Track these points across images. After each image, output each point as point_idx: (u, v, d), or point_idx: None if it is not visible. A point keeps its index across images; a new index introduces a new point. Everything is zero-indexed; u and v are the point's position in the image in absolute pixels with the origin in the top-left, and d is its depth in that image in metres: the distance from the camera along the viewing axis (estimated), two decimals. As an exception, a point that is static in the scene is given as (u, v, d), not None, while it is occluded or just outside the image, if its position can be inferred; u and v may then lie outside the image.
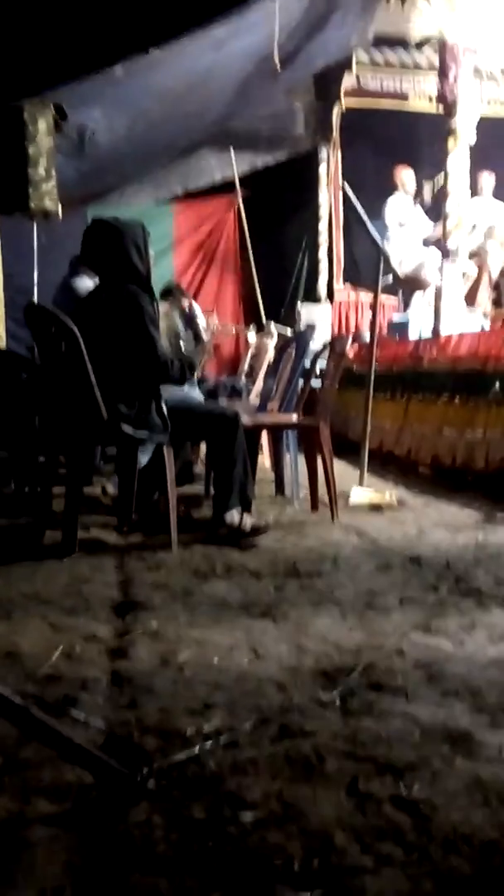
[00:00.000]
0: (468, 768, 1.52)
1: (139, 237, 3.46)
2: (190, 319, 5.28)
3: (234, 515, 3.46)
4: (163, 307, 4.86)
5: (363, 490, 4.55)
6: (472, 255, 6.90)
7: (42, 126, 5.55)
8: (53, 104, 5.65)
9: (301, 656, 2.10)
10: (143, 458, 3.88)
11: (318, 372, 5.03)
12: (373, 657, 2.07)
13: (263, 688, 1.90)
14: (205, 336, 5.75)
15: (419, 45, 7.87)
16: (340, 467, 4.83)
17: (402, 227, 7.35)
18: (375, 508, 4.26)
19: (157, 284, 3.95)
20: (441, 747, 1.60)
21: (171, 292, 6.28)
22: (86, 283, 4.50)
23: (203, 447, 4.65)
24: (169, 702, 1.82)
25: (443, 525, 3.84)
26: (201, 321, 6.47)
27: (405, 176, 7.56)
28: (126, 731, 1.67)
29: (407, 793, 1.44)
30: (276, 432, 4.67)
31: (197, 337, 5.16)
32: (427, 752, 1.58)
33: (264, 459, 5.35)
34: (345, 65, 7.77)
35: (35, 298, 5.64)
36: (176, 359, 3.49)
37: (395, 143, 8.26)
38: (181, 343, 4.76)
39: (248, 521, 3.47)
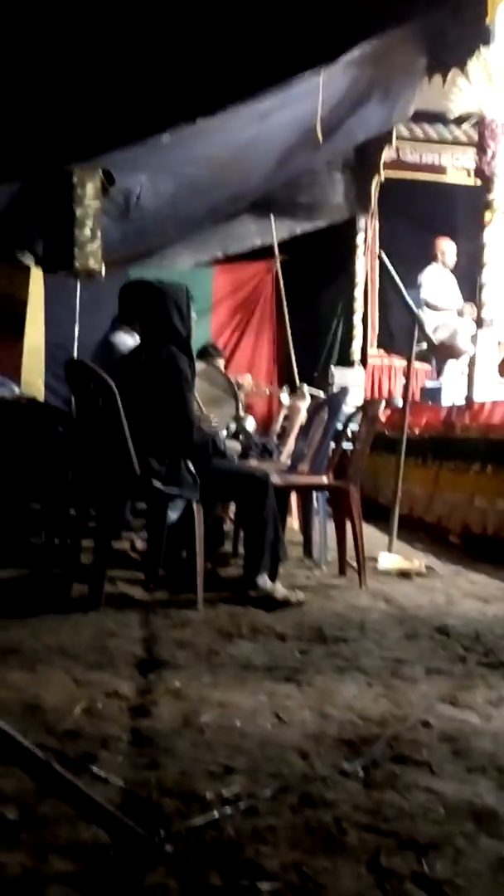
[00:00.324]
0: (493, 848, 1.48)
1: (181, 300, 3.55)
2: (227, 379, 5.34)
3: (265, 579, 3.45)
4: (199, 366, 4.94)
5: (392, 556, 4.52)
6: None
7: (90, 189, 5.74)
8: (102, 169, 5.85)
9: (325, 724, 2.07)
10: (173, 515, 3.91)
11: (349, 435, 5.05)
12: (398, 728, 2.03)
13: (285, 754, 1.87)
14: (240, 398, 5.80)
15: (458, 121, 8.07)
16: (369, 532, 4.81)
17: (438, 296, 7.43)
18: (404, 575, 4.22)
19: (195, 344, 4.03)
20: (465, 825, 1.56)
21: (207, 352, 6.38)
22: (125, 340, 4.59)
23: (232, 506, 4.65)
24: (189, 764, 1.79)
25: (472, 595, 3.79)
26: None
27: (445, 247, 7.67)
28: (145, 791, 1.65)
29: (429, 871, 1.40)
30: (306, 494, 4.67)
31: (231, 394, 5.21)
32: (451, 830, 1.55)
33: (293, 521, 5.34)
34: (385, 138, 7.98)
35: (75, 354, 5.75)
36: (202, 431, 3.53)
37: (432, 214, 8.42)
38: (217, 399, 4.82)
39: (281, 588, 3.45)
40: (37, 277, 6.92)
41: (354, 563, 4.03)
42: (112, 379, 3.32)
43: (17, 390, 5.44)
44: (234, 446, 4.95)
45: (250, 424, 4.77)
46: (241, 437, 4.29)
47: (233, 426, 5.18)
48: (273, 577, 3.51)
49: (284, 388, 7.47)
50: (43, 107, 8.42)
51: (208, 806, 1.60)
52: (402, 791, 1.70)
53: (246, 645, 2.80)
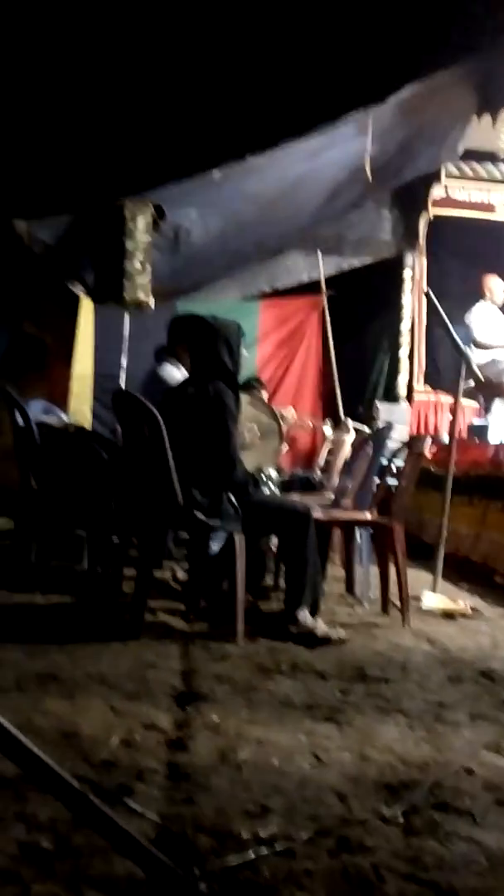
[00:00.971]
0: (539, 905, 1.43)
1: (232, 336, 3.59)
2: (272, 412, 5.34)
3: (305, 614, 3.42)
4: (243, 398, 4.96)
5: (436, 595, 4.44)
6: None
7: (141, 223, 5.85)
8: (153, 204, 5.96)
9: (364, 766, 2.03)
10: (215, 546, 3.90)
11: (394, 471, 5.01)
12: (440, 774, 1.98)
13: (324, 796, 1.83)
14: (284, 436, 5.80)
15: (508, 160, 8.07)
16: (413, 570, 4.73)
17: (487, 334, 7.37)
18: (448, 616, 4.14)
19: (241, 377, 4.06)
20: (510, 878, 1.51)
21: (250, 385, 6.41)
22: (172, 373, 4.65)
23: (274, 539, 4.63)
24: (226, 801, 1.77)
25: (518, 638, 3.70)
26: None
27: (493, 284, 7.63)
28: (180, 827, 1.63)
29: (471, 925, 1.35)
30: (349, 530, 4.63)
31: (276, 428, 5.21)
32: (493, 883, 1.49)
33: (335, 557, 5.29)
34: (434, 176, 8.01)
35: (122, 384, 5.82)
36: (243, 466, 3.54)
37: (480, 252, 8.39)
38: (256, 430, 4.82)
39: (322, 625, 3.42)
40: (87, 308, 7.04)
41: (397, 602, 3.97)
42: (159, 409, 3.36)
43: (64, 418, 5.52)
44: (274, 475, 4.93)
45: (274, 474, 4.77)
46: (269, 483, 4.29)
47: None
48: (314, 613, 3.48)
49: (328, 420, 7.45)
50: (98, 141, 8.65)
51: (244, 845, 1.57)
52: (442, 840, 1.65)
53: (285, 682, 2.77)
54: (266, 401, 6.31)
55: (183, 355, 4.66)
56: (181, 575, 4.24)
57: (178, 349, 4.71)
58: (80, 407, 6.98)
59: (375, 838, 1.64)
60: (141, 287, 5.81)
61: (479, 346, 7.26)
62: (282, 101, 8.30)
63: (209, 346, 3.57)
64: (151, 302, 5.92)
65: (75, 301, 7.10)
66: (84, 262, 6.52)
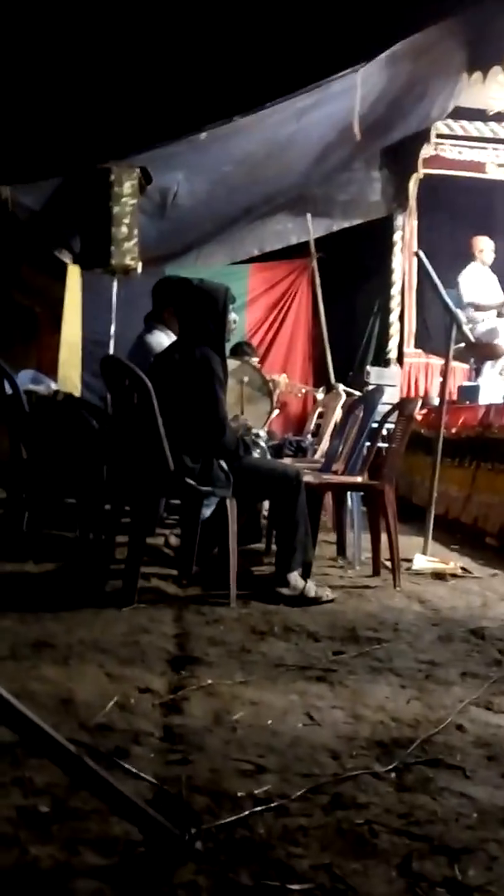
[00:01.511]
0: (528, 856, 1.46)
1: (219, 301, 3.55)
2: (262, 377, 5.33)
3: (296, 577, 3.45)
4: (233, 363, 4.93)
5: (427, 557, 4.47)
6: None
7: (127, 187, 5.77)
8: (139, 167, 5.87)
9: (357, 725, 2.06)
10: (207, 511, 3.91)
11: (385, 434, 5.01)
12: (431, 731, 2.01)
13: (317, 754, 1.86)
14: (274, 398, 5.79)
15: (498, 118, 7.98)
16: (404, 532, 4.77)
17: (478, 295, 7.33)
18: (439, 577, 4.18)
19: (230, 342, 4.03)
20: (499, 831, 1.54)
21: (241, 350, 6.38)
22: (161, 339, 4.60)
23: (266, 503, 4.65)
24: (220, 762, 1.79)
25: (508, 597, 3.74)
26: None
27: (483, 244, 7.57)
28: (176, 788, 1.65)
29: (462, 877, 1.38)
30: (340, 493, 4.65)
31: (266, 392, 5.20)
32: (484, 835, 1.52)
33: (327, 520, 5.31)
34: (424, 135, 7.91)
35: (111, 351, 5.78)
36: (233, 431, 3.53)
37: (471, 212, 8.33)
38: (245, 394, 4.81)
39: (312, 586, 3.45)
40: (74, 274, 6.98)
41: (389, 564, 4.00)
42: (148, 376, 3.34)
43: (53, 386, 5.49)
44: (263, 435, 4.93)
45: (264, 435, 4.77)
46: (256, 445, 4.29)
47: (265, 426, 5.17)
48: (305, 576, 3.51)
49: (321, 389, 7.44)
50: (82, 105, 8.50)
51: (239, 804, 1.59)
52: (434, 795, 1.68)
53: (278, 643, 2.79)
54: (257, 365, 6.29)
55: (170, 320, 4.62)
56: (174, 541, 4.26)
57: (165, 314, 4.66)
58: (69, 375, 6.96)
59: (368, 795, 1.66)
60: (128, 252, 5.75)
61: (471, 306, 7.23)
62: (269, 60, 8.15)
63: (195, 310, 3.54)
64: (139, 267, 5.86)
65: (62, 268, 7.03)
66: (70, 228, 6.44)
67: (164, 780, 1.68)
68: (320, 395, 7.19)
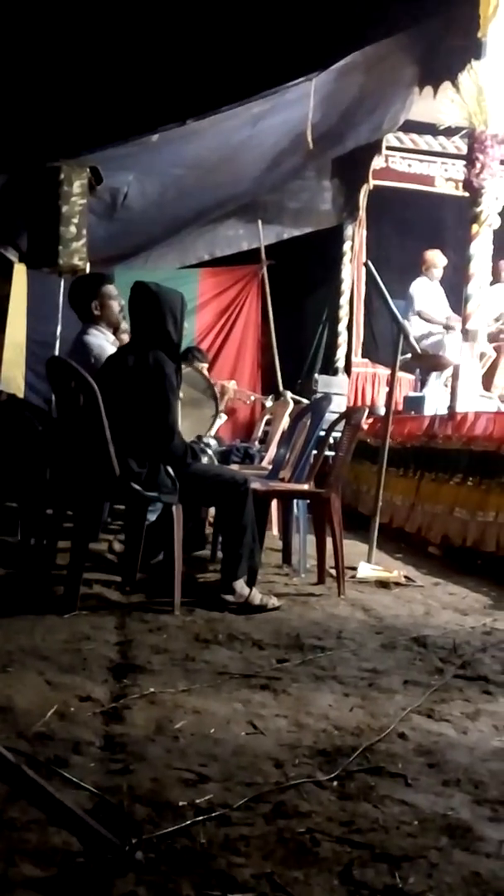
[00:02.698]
0: (467, 862, 1.47)
1: (176, 307, 3.54)
2: (207, 381, 5.31)
3: (242, 585, 3.44)
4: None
5: (371, 565, 4.51)
6: (490, 340, 6.97)
7: (77, 187, 5.69)
8: (90, 167, 5.80)
9: (300, 733, 2.05)
10: (151, 517, 3.88)
11: (331, 442, 5.04)
12: (374, 739, 2.01)
13: (260, 763, 1.85)
14: (220, 403, 5.77)
15: (448, 133, 8.11)
16: (349, 541, 4.80)
17: (427, 308, 7.44)
18: (383, 585, 4.22)
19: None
20: (439, 839, 1.55)
21: (190, 355, 6.36)
22: (98, 338, 4.53)
23: (212, 510, 4.63)
24: (162, 771, 1.77)
25: (451, 607, 3.79)
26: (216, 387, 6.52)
27: (434, 258, 7.68)
28: (116, 797, 1.62)
29: (402, 884, 1.39)
30: (287, 501, 4.66)
31: (210, 395, 5.18)
32: (425, 843, 1.53)
33: (273, 527, 5.32)
34: (375, 147, 8.00)
35: (56, 352, 5.70)
36: (181, 438, 3.51)
37: (419, 224, 8.45)
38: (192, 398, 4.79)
39: (257, 594, 3.44)
40: (20, 273, 6.86)
41: (333, 572, 4.01)
42: (96, 378, 3.30)
43: (-3, 387, 5.39)
44: (213, 444, 4.92)
45: (213, 443, 4.77)
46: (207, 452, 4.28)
47: (213, 431, 5.16)
48: (251, 583, 3.50)
49: (270, 397, 7.45)
50: (32, 101, 8.39)
51: (181, 814, 1.57)
52: (376, 803, 1.69)
53: (222, 651, 2.78)
54: (206, 370, 6.28)
55: (96, 317, 4.55)
56: (117, 547, 4.21)
57: (90, 312, 4.57)
58: (13, 375, 6.83)
59: (310, 803, 1.66)
60: (76, 252, 5.67)
61: (420, 318, 7.32)
62: (224, 65, 8.16)
63: (153, 315, 3.51)
64: (87, 268, 5.79)
65: (8, 266, 6.91)
66: (17, 226, 6.33)
67: (105, 789, 1.65)
68: (269, 403, 7.20)
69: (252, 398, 7.29)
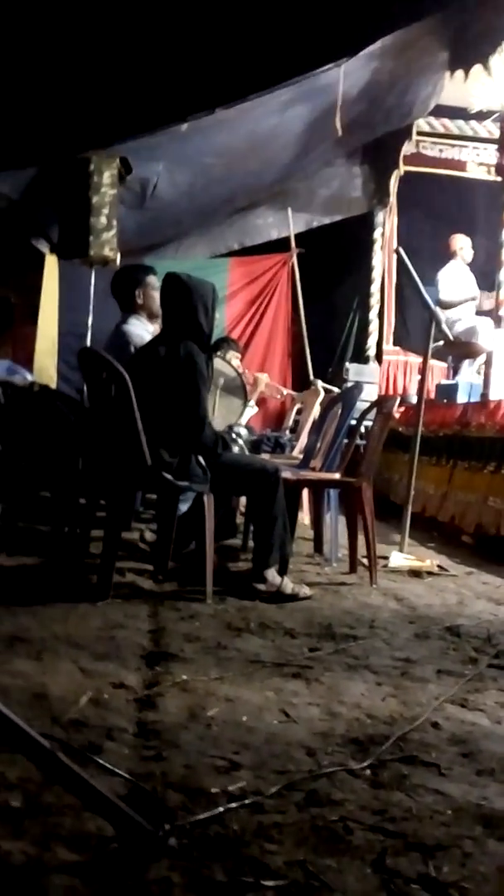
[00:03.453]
0: (501, 852, 1.46)
1: (208, 297, 3.54)
2: (236, 371, 5.31)
3: (273, 573, 3.44)
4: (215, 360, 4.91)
5: (404, 555, 4.49)
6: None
7: (107, 178, 5.71)
8: (119, 157, 5.82)
9: (333, 722, 2.05)
10: (183, 506, 3.90)
11: (363, 431, 5.01)
12: (407, 728, 2.01)
13: (292, 751, 1.85)
14: (252, 394, 5.76)
15: (480, 117, 8.00)
16: (381, 530, 4.78)
17: (457, 293, 7.35)
18: (415, 574, 4.19)
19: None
20: (474, 828, 1.54)
21: (221, 346, 6.36)
22: (137, 328, 4.57)
23: (243, 499, 4.64)
24: (195, 758, 1.78)
25: (485, 596, 3.76)
26: (247, 378, 6.50)
27: (462, 243, 7.59)
28: (150, 784, 1.63)
29: (436, 873, 1.38)
30: (318, 490, 4.65)
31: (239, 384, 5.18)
32: (458, 832, 1.52)
33: (304, 516, 5.31)
34: (405, 132, 7.92)
35: (88, 342, 5.74)
36: (213, 428, 3.52)
37: (451, 210, 8.35)
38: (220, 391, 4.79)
39: (289, 583, 3.44)
40: (52, 264, 6.91)
41: (365, 561, 4.00)
42: (127, 369, 3.31)
43: (29, 377, 5.44)
44: (244, 433, 4.92)
45: (244, 432, 4.76)
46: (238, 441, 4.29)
47: (243, 420, 5.15)
48: (282, 572, 3.50)
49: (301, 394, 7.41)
50: (62, 93, 8.41)
51: (213, 801, 1.58)
52: (409, 792, 1.68)
53: (254, 640, 2.78)
54: (240, 361, 6.28)
55: (137, 307, 4.60)
56: (149, 536, 4.23)
57: (132, 302, 4.63)
58: (46, 366, 6.90)
59: (343, 792, 1.66)
60: (107, 243, 5.70)
61: (446, 305, 7.25)
62: (252, 53, 8.11)
63: (185, 306, 3.51)
64: (118, 258, 5.81)
65: (40, 258, 6.96)
66: (49, 218, 6.37)
67: (138, 776, 1.66)
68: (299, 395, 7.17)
69: (283, 393, 7.27)
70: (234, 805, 1.56)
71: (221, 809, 1.54)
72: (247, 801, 1.58)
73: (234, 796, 1.60)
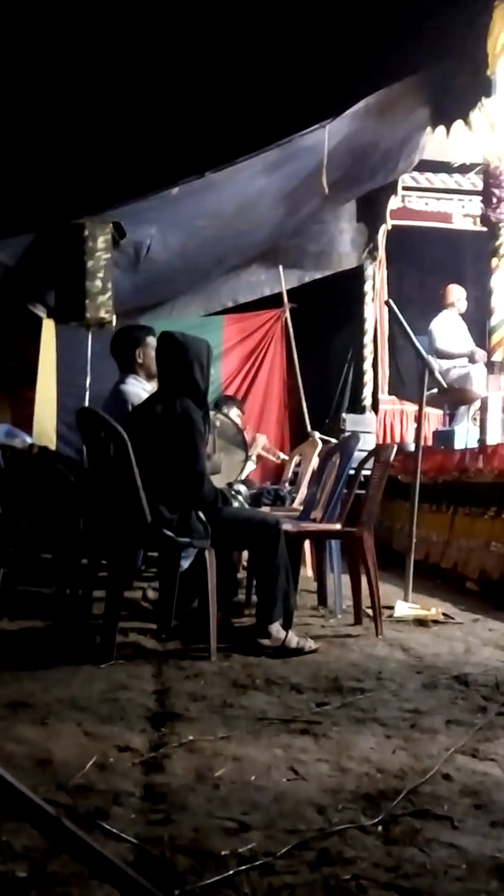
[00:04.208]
0: (519, 907, 1.43)
1: (203, 354, 3.59)
2: (237, 427, 5.34)
3: (278, 628, 3.42)
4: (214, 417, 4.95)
5: (408, 603, 4.46)
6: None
7: (101, 242, 5.83)
8: (113, 222, 5.94)
9: (342, 778, 2.02)
10: (185, 563, 3.88)
11: (362, 480, 5.01)
12: (418, 781, 1.98)
13: (302, 809, 1.82)
14: (251, 451, 5.79)
15: (463, 170, 8.20)
16: (385, 579, 4.75)
17: (450, 342, 7.45)
18: (421, 623, 4.16)
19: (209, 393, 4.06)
20: (489, 882, 1.51)
21: (225, 401, 6.43)
22: (135, 388, 4.62)
23: (245, 554, 4.62)
24: (203, 820, 1.75)
25: (492, 643, 3.73)
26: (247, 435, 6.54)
27: (458, 294, 7.71)
28: (158, 848, 1.60)
29: (453, 932, 1.35)
30: (320, 541, 4.64)
31: (240, 441, 5.20)
32: (474, 886, 1.49)
33: (307, 569, 5.29)
34: (391, 187, 8.11)
35: (87, 403, 5.78)
36: (212, 484, 3.53)
37: (439, 261, 8.51)
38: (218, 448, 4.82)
39: (294, 637, 3.42)
40: (49, 328, 7.00)
41: (370, 612, 3.97)
42: (125, 427, 3.34)
43: (28, 440, 5.47)
44: (244, 490, 4.94)
45: (243, 489, 4.79)
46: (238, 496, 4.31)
47: (242, 476, 5.17)
48: (287, 626, 3.47)
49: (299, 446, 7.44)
50: (55, 161, 8.63)
51: (223, 863, 1.55)
52: (422, 846, 1.65)
53: (260, 697, 2.75)
54: (240, 418, 6.32)
55: (140, 368, 4.66)
56: (152, 594, 4.21)
57: (132, 362, 4.70)
58: (45, 428, 6.93)
59: (355, 849, 1.63)
60: (102, 305, 5.78)
61: (441, 355, 7.33)
62: (238, 117, 8.36)
63: (180, 363, 3.56)
64: (114, 320, 5.90)
65: (37, 322, 7.05)
66: (44, 283, 6.48)
67: (146, 840, 1.63)
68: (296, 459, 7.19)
69: (280, 458, 7.30)
70: (244, 867, 1.53)
71: (231, 872, 1.51)
72: (257, 863, 1.55)
73: (244, 858, 1.57)
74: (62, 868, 1.49)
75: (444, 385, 6.23)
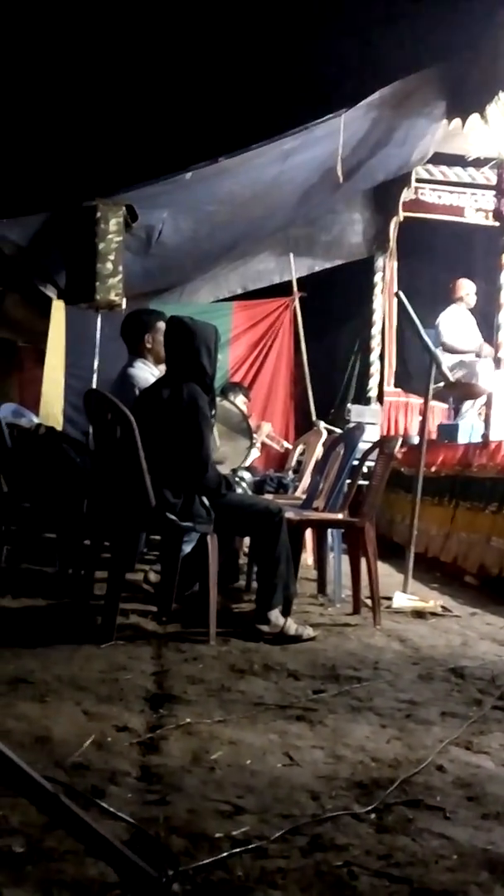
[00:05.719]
0: (508, 898, 1.45)
1: (210, 340, 3.59)
2: (242, 414, 5.35)
3: (277, 615, 3.44)
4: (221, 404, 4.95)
5: (407, 595, 4.47)
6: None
7: (113, 225, 5.83)
8: (125, 205, 5.94)
9: (337, 765, 2.04)
10: (187, 547, 3.90)
11: (365, 471, 5.02)
12: (411, 772, 2.00)
13: (296, 795, 1.84)
14: (255, 438, 5.79)
15: (477, 163, 8.16)
16: (384, 570, 4.77)
17: (458, 337, 7.43)
18: (419, 615, 4.18)
19: (216, 380, 4.06)
20: (479, 873, 1.53)
21: (232, 388, 6.44)
22: (143, 371, 4.62)
23: (247, 540, 4.64)
24: (198, 802, 1.77)
25: (489, 637, 3.74)
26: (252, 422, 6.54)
27: (468, 289, 7.68)
28: (153, 828, 1.63)
29: (442, 920, 1.37)
30: (321, 530, 4.65)
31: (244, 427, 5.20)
32: (465, 878, 1.51)
33: (307, 557, 5.31)
34: (404, 179, 8.06)
35: (94, 385, 5.79)
36: (216, 470, 3.54)
37: (450, 255, 8.47)
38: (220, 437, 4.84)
39: (292, 624, 3.44)
40: (58, 309, 7.00)
41: (369, 602, 3.99)
42: (132, 411, 3.35)
43: (35, 420, 5.48)
44: (248, 477, 4.95)
45: (247, 475, 4.80)
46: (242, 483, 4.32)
47: (247, 463, 5.18)
48: (286, 613, 3.49)
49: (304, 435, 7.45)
50: (69, 142, 8.61)
51: (217, 846, 1.57)
52: (414, 836, 1.67)
53: (258, 682, 2.77)
54: (246, 405, 6.32)
55: (149, 352, 4.66)
56: (153, 577, 4.23)
57: (142, 346, 4.69)
58: (52, 409, 6.95)
59: (348, 836, 1.65)
60: (113, 288, 5.79)
61: (448, 349, 7.31)
62: (255, 103, 8.32)
63: (188, 348, 3.56)
64: (123, 303, 5.90)
65: (47, 302, 7.06)
66: (56, 264, 6.48)
67: (142, 820, 1.66)
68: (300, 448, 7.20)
69: (284, 446, 7.30)
70: (237, 850, 1.55)
71: (225, 854, 1.53)
72: (250, 846, 1.57)
73: (238, 841, 1.59)
74: (58, 844, 1.51)
75: (451, 379, 6.23)
